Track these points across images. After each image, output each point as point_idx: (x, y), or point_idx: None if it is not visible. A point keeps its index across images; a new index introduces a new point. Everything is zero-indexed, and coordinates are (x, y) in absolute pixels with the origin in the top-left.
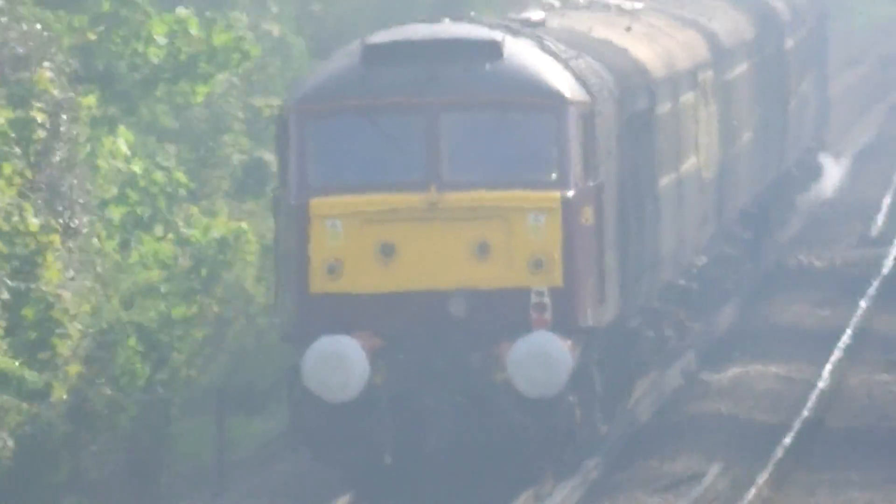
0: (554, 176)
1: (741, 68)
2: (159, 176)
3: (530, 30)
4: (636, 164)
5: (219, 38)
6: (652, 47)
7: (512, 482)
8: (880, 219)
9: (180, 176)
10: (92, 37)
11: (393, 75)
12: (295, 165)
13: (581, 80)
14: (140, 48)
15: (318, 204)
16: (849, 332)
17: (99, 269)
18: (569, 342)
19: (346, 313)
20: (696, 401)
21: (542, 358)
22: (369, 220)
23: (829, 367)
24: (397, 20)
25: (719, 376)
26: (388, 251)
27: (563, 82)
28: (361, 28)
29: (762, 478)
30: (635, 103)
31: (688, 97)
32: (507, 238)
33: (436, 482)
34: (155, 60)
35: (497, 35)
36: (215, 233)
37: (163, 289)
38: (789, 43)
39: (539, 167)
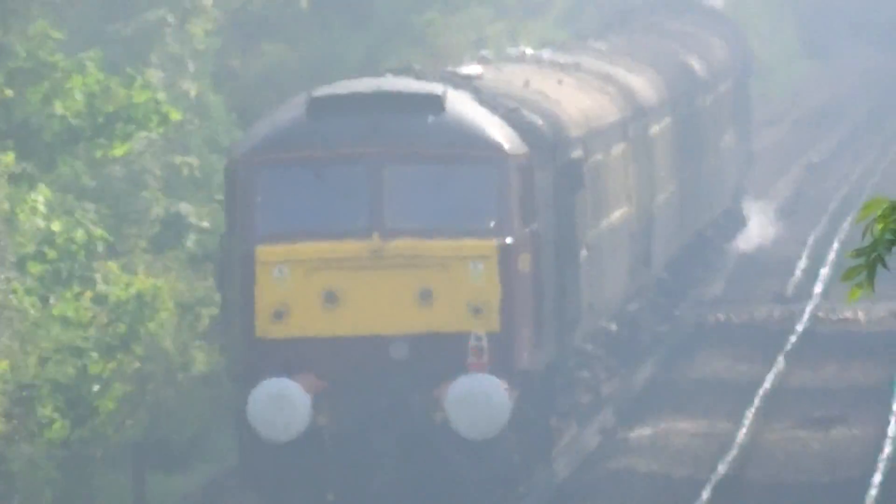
0: (492, 225)
1: (662, 124)
2: (79, 233)
3: (469, 83)
4: (571, 213)
5: (138, 97)
6: (584, 100)
7: None
8: (796, 277)
9: (100, 232)
10: (9, 93)
11: (337, 127)
12: (242, 214)
13: (518, 131)
14: (59, 106)
15: (265, 251)
16: (766, 387)
17: (17, 325)
18: (506, 385)
19: (290, 357)
20: (615, 457)
21: (479, 400)
22: (314, 268)
23: (746, 422)
24: (318, 76)
25: (637, 432)
26: (332, 297)
27: (501, 134)
28: (281, 84)
29: None
30: (569, 154)
31: (618, 149)
32: (448, 285)
33: None
34: (73, 120)
35: (438, 88)
36: (133, 290)
37: (81, 345)
38: (708, 100)
39: (478, 216)
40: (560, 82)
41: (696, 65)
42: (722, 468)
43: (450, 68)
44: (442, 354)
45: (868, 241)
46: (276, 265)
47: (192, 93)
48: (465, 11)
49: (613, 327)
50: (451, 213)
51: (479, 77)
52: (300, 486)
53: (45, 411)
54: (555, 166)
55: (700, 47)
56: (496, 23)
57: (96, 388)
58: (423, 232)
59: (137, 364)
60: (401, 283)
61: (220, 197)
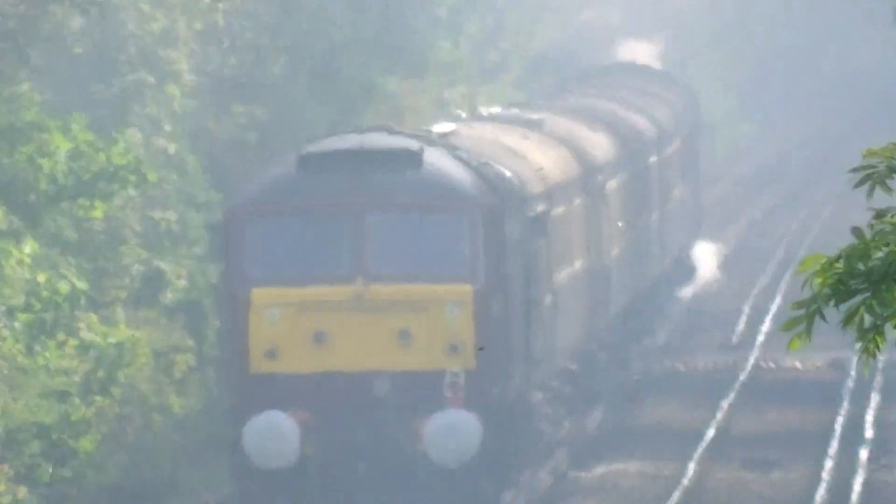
0: (466, 270)
1: (618, 179)
2: (63, 286)
3: (444, 139)
4: (537, 261)
5: (118, 159)
6: (547, 156)
7: None
8: (740, 327)
9: (82, 284)
10: None
11: (324, 181)
12: (237, 261)
13: (489, 184)
14: (45, 165)
15: (258, 294)
16: (711, 432)
17: (5, 371)
18: (479, 417)
19: (281, 391)
20: (566, 498)
21: (453, 431)
22: (304, 309)
23: (692, 465)
24: (288, 136)
25: (588, 474)
26: (320, 337)
27: (474, 187)
28: (252, 143)
29: None
30: (536, 205)
31: (578, 202)
32: (426, 326)
33: None
34: (60, 179)
35: (416, 145)
36: (112, 339)
37: (65, 390)
38: (659, 157)
39: (454, 262)
40: (525, 138)
41: (649, 124)
42: None
43: (425, 126)
44: (420, 390)
45: (807, 294)
46: (269, 308)
47: (170, 151)
48: (426, 76)
49: (573, 367)
50: (428, 259)
51: (452, 133)
52: None
53: (32, 452)
54: (522, 217)
55: (652, 107)
56: (456, 86)
57: (79, 432)
58: (402, 277)
59: (117, 408)
60: (382, 325)
61: (196, 250)
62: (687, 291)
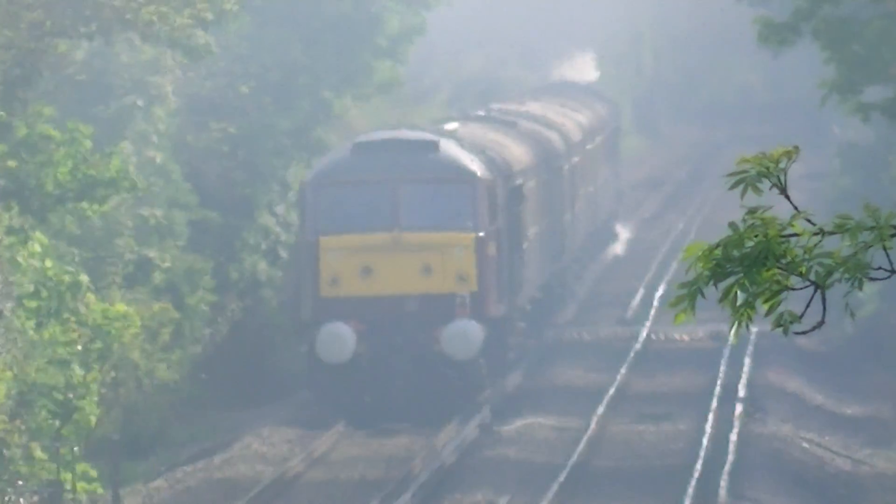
0: (470, 224)
1: (567, 162)
2: (66, 277)
3: (451, 133)
4: (517, 219)
5: (113, 167)
6: (521, 146)
7: (444, 412)
8: (634, 305)
9: (84, 277)
10: (12, 164)
11: (371, 161)
12: (310, 217)
13: (485, 164)
14: (52, 173)
15: (325, 241)
16: (611, 391)
17: (20, 343)
18: (480, 326)
19: (342, 309)
20: (490, 447)
21: (462, 335)
22: (356, 251)
23: (595, 419)
24: (255, 146)
25: (508, 427)
26: (367, 270)
27: (475, 166)
28: (225, 153)
29: None
30: (515, 180)
31: (542, 179)
32: (443, 262)
33: (397, 413)
34: (66, 184)
35: (434, 137)
36: (109, 315)
37: (67, 359)
38: (590, 146)
39: (461, 218)
40: (505, 135)
41: (585, 120)
42: (575, 455)
43: (438, 125)
44: (439, 307)
45: (691, 275)
46: (332, 250)
47: (157, 160)
48: (371, 98)
49: (539, 294)
50: (443, 216)
51: (455, 130)
52: (348, 393)
53: (41, 412)
54: (507, 188)
55: (588, 109)
56: (394, 109)
57: (81, 393)
58: (425, 228)
59: (112, 373)
60: (411, 261)
61: (179, 242)
62: (592, 271)
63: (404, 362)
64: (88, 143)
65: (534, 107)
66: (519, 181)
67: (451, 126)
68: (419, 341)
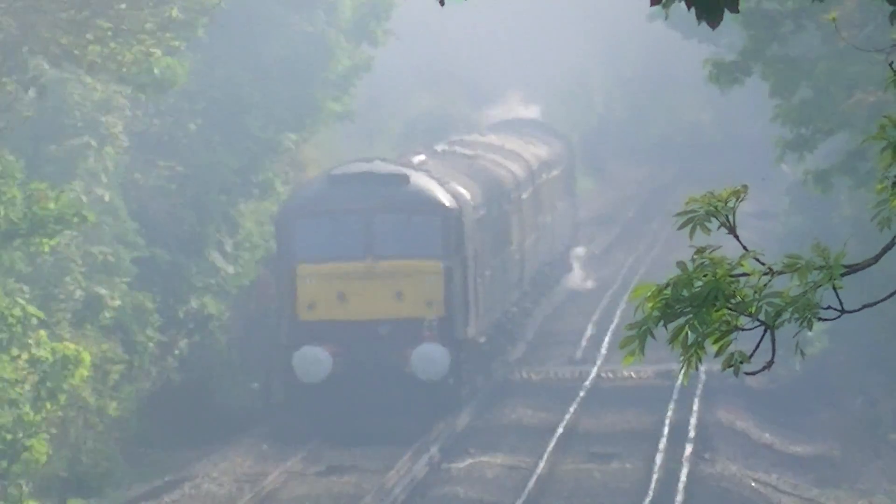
0: (439, 253)
1: (527, 192)
2: (16, 311)
3: (420, 166)
4: (485, 245)
5: (63, 201)
6: (485, 178)
7: (415, 431)
8: (584, 344)
9: (33, 309)
10: None
11: (346, 192)
12: (288, 246)
13: (453, 195)
14: (2, 211)
15: (302, 268)
16: (560, 430)
17: None
18: (447, 349)
19: (318, 332)
20: (440, 485)
21: (430, 358)
22: (331, 278)
23: (544, 458)
24: (203, 184)
25: (458, 465)
26: (342, 296)
27: (443, 198)
28: (172, 191)
29: None
30: (479, 212)
31: (507, 207)
32: (413, 288)
33: (370, 431)
34: (16, 221)
35: (405, 170)
36: (59, 354)
37: (17, 398)
38: (550, 176)
39: (430, 247)
40: (470, 167)
41: (544, 153)
42: (525, 494)
43: (407, 158)
44: (409, 331)
45: (640, 316)
46: (309, 276)
47: (106, 198)
48: (322, 132)
49: (504, 318)
50: (414, 245)
51: (424, 162)
52: (324, 410)
53: None
54: (473, 217)
55: (545, 143)
56: (346, 145)
57: (30, 433)
58: (397, 256)
59: (61, 412)
60: (384, 287)
61: (126, 279)
62: (539, 312)
63: (376, 383)
64: (36, 184)
65: (494, 140)
66: (483, 211)
67: (419, 158)
68: (391, 363)
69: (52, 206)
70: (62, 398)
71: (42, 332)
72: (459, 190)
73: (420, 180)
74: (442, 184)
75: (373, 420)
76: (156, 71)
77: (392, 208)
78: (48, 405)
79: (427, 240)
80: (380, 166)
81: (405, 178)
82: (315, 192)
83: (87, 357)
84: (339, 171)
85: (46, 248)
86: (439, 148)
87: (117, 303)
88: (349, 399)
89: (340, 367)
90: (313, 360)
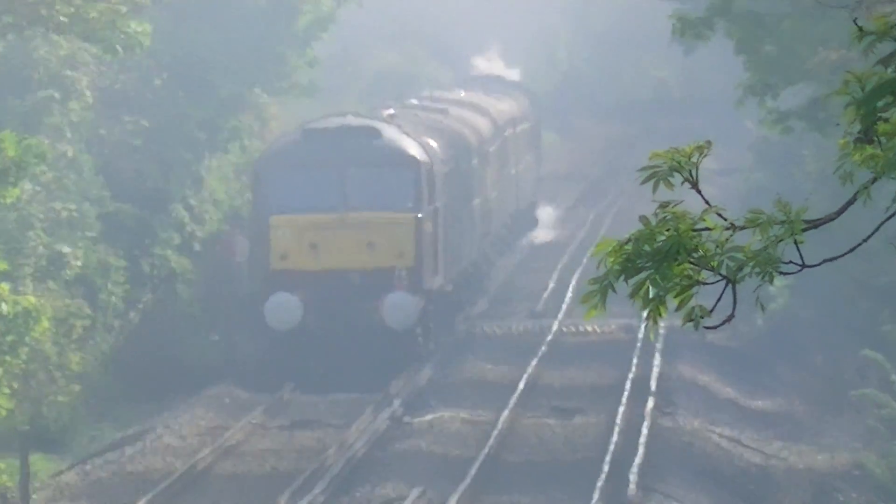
0: (410, 204)
1: (495, 146)
2: None
3: (391, 119)
4: (454, 198)
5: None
6: (455, 131)
7: (383, 376)
8: (545, 299)
9: (2, 265)
10: None
11: (319, 145)
12: (262, 197)
13: (424, 148)
14: None
15: (275, 219)
16: (521, 385)
17: None
18: (416, 297)
19: (290, 280)
20: (402, 439)
21: (400, 306)
22: (304, 228)
23: (506, 412)
24: (168, 139)
25: (420, 419)
26: (315, 246)
27: (414, 151)
28: (138, 147)
29: (452, 500)
30: (449, 163)
31: (475, 161)
32: (384, 239)
33: (340, 377)
34: None
35: (377, 123)
36: (20, 307)
37: None
38: (518, 130)
39: (402, 199)
40: (440, 121)
41: (511, 109)
42: (486, 448)
43: (379, 112)
44: (380, 280)
45: (602, 271)
46: (282, 227)
47: (70, 154)
48: (285, 91)
49: (470, 269)
50: (386, 197)
51: (396, 116)
52: (295, 358)
53: None
54: (444, 169)
55: (512, 99)
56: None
57: None
58: (369, 208)
59: (23, 365)
60: (356, 238)
61: (90, 234)
62: (505, 263)
63: (347, 331)
64: None
65: (463, 96)
66: (452, 164)
67: (389, 111)
68: (362, 311)
69: (11, 152)
70: (23, 352)
71: (4, 286)
72: (430, 143)
73: (392, 134)
74: (413, 137)
75: (342, 368)
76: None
77: (364, 161)
78: (8, 358)
79: (398, 192)
80: (352, 120)
81: (377, 132)
82: (289, 145)
83: (47, 310)
84: (313, 126)
85: (9, 200)
86: (410, 102)
87: (79, 262)
88: (319, 347)
89: (312, 316)
90: (285, 307)
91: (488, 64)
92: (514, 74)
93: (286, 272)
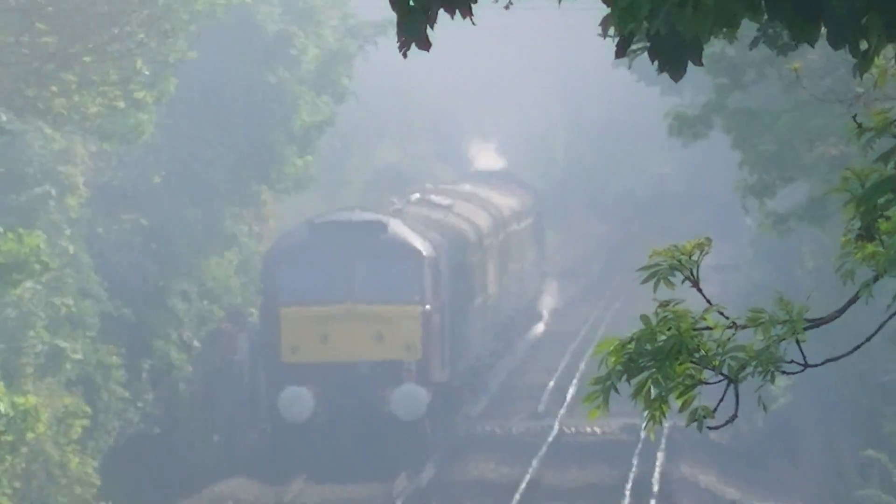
0: (417, 297)
1: (497, 239)
2: None
3: (397, 213)
4: (459, 291)
5: (26, 244)
6: (460, 226)
7: (393, 467)
8: (545, 398)
9: None
10: None
11: (328, 239)
12: (272, 289)
13: (430, 242)
14: None
15: (286, 311)
16: (523, 485)
17: None
18: (425, 389)
19: (301, 373)
20: None
21: (409, 398)
22: (314, 320)
23: None
24: (167, 238)
25: None
26: (325, 338)
27: (420, 244)
28: (136, 245)
29: None
30: (456, 257)
31: (476, 256)
32: (392, 332)
33: (352, 468)
34: None
35: (384, 218)
36: (20, 407)
37: None
38: (520, 226)
39: (409, 293)
40: (446, 215)
41: (514, 204)
42: None
43: (385, 206)
44: (389, 372)
45: (603, 371)
46: (292, 319)
47: (70, 251)
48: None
49: (477, 363)
50: (393, 290)
51: (403, 210)
52: (307, 449)
53: None
54: (450, 263)
55: (515, 195)
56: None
57: None
58: (377, 301)
59: (24, 465)
60: (365, 330)
61: (91, 333)
62: (508, 359)
63: (357, 422)
64: None
65: (467, 190)
66: (458, 258)
67: (394, 206)
68: (371, 403)
69: (11, 246)
70: (23, 451)
71: (2, 385)
72: (435, 237)
73: (398, 228)
74: (419, 231)
75: (351, 458)
76: (129, 122)
77: (371, 255)
78: (9, 458)
79: (405, 285)
80: (359, 215)
81: (384, 226)
82: (298, 239)
83: (43, 410)
84: (320, 220)
85: (13, 296)
86: (415, 197)
87: (79, 356)
88: (329, 437)
89: (323, 407)
90: (298, 400)
91: (488, 159)
92: (512, 169)
93: (297, 365)
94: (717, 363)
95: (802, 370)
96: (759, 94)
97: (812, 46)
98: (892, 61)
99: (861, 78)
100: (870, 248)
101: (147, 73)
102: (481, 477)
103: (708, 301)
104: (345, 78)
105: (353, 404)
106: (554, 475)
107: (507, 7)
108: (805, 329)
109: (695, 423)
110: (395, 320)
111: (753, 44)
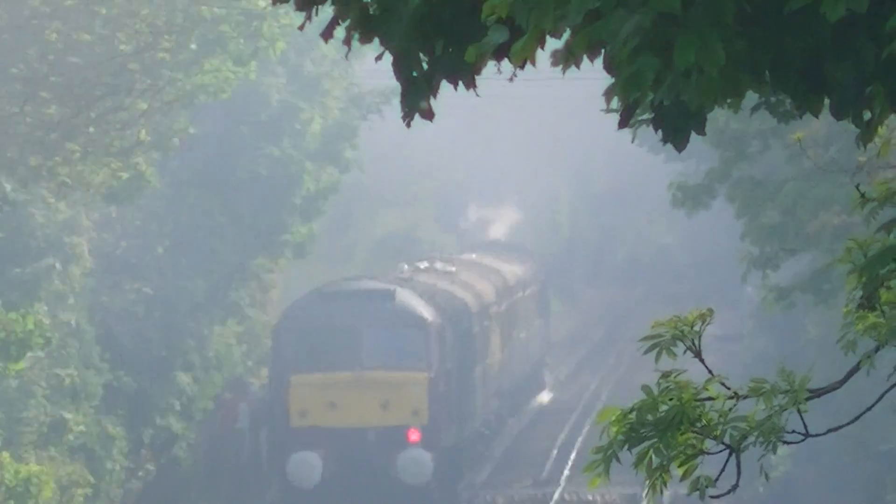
0: (423, 365)
1: (501, 307)
2: None
3: (404, 282)
4: (464, 359)
5: (29, 322)
6: (465, 294)
7: None
8: (549, 464)
9: None
10: None
11: (336, 309)
12: (282, 357)
13: (436, 310)
14: None
15: (295, 378)
16: None
17: None
18: (430, 454)
19: (310, 438)
20: None
21: (415, 463)
22: (322, 387)
23: None
24: (170, 308)
25: None
26: (333, 404)
27: (427, 312)
28: (139, 316)
29: None
30: (462, 324)
31: (483, 323)
32: (399, 398)
33: None
34: None
35: (391, 287)
36: (21, 476)
37: None
38: (525, 294)
39: (415, 360)
40: (451, 283)
41: (519, 272)
42: None
43: (392, 274)
44: (395, 437)
45: (605, 440)
46: (302, 386)
47: (73, 321)
48: (287, 258)
49: (486, 431)
50: (400, 356)
51: (409, 279)
52: None
53: None
54: (455, 331)
55: (520, 263)
56: (314, 268)
57: None
58: (384, 367)
59: None
60: (372, 397)
61: (94, 403)
62: (513, 425)
63: (365, 486)
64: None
65: (473, 259)
66: (463, 325)
67: (404, 275)
68: (378, 468)
69: (15, 326)
70: None
71: (5, 454)
72: (441, 305)
73: (405, 295)
74: (425, 299)
75: None
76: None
77: (379, 323)
78: None
79: (412, 352)
80: (366, 283)
81: (391, 294)
82: (307, 307)
83: (49, 479)
84: (329, 289)
85: (12, 372)
86: (422, 265)
87: (81, 427)
88: (337, 502)
89: (331, 472)
90: (307, 466)
91: (493, 227)
92: (518, 237)
93: (306, 429)
94: (719, 433)
95: (804, 440)
96: (763, 164)
97: (816, 117)
98: None
99: (864, 148)
100: (871, 318)
101: (150, 140)
102: None
103: (710, 371)
104: (349, 150)
105: (360, 469)
106: None
107: (510, 79)
108: (807, 399)
109: (696, 492)
110: (401, 387)
111: (755, 110)
